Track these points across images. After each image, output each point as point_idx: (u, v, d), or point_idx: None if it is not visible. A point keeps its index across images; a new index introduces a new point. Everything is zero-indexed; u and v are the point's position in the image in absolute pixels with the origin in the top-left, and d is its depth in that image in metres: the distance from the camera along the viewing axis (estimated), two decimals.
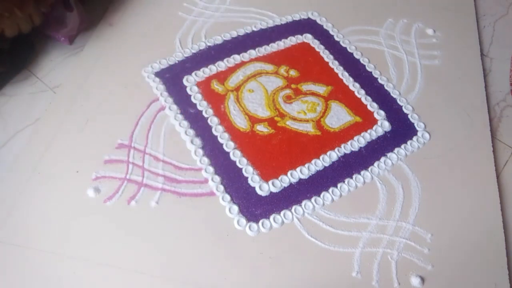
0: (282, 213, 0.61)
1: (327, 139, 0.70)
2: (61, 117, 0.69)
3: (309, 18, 0.88)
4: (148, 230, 0.59)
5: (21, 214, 0.59)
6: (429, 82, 0.79)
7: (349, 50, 0.82)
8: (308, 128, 0.71)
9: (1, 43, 0.71)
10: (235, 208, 0.61)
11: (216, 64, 0.78)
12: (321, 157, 0.67)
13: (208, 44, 0.81)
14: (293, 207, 0.62)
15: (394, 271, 0.57)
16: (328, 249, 0.59)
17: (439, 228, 0.61)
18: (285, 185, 0.64)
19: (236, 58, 0.79)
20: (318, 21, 0.87)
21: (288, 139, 0.69)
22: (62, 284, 0.54)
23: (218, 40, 0.82)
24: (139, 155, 0.65)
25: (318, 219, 0.61)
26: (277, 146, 0.68)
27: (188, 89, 0.74)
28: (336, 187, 0.64)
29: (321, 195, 0.63)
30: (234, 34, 0.83)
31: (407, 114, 0.74)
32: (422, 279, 0.57)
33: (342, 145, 0.69)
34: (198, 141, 0.67)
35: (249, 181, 0.64)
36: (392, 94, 0.76)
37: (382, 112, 0.73)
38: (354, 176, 0.66)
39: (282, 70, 0.78)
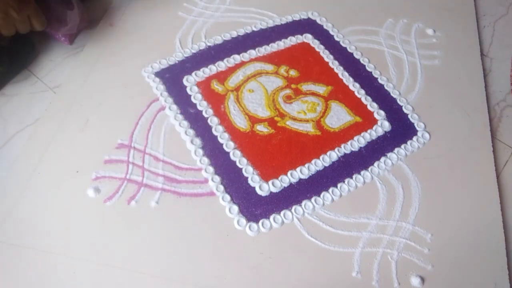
0: (282, 213, 0.61)
1: (327, 139, 0.70)
2: (61, 117, 0.69)
3: (309, 18, 0.88)
4: (148, 230, 0.59)
5: (21, 214, 0.59)
6: (429, 82, 0.79)
7: (349, 50, 0.82)
8: (308, 128, 0.71)
9: (1, 41, 0.71)
10: (235, 208, 0.61)
11: (216, 64, 0.78)
12: (321, 157, 0.67)
13: (208, 44, 0.81)
14: (293, 207, 0.62)
15: (394, 271, 0.57)
16: (328, 249, 0.59)
17: (439, 228, 0.61)
18: (285, 185, 0.64)
19: (236, 58, 0.79)
20: (318, 21, 0.87)
21: (288, 139, 0.69)
22: (62, 284, 0.54)
23: (218, 40, 0.82)
24: (139, 155, 0.65)
25: (318, 219, 0.61)
26: (277, 146, 0.68)
27: (188, 89, 0.74)
28: (336, 187, 0.64)
29: (321, 195, 0.63)
30: (234, 34, 0.83)
31: (407, 114, 0.74)
32: (422, 279, 0.57)
33: (342, 145, 0.69)
34: (198, 141, 0.68)
35: (249, 181, 0.64)
36: (392, 94, 0.76)
37: (382, 112, 0.73)
38: (354, 176, 0.66)
39: (282, 70, 0.78)
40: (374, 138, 0.70)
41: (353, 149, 0.69)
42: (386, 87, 0.77)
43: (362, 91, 0.76)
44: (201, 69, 0.77)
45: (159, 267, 0.56)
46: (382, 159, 0.68)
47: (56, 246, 0.57)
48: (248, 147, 0.67)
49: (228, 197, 0.62)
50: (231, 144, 0.67)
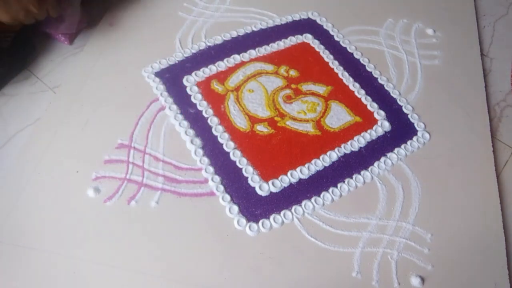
0: (282, 213, 0.61)
1: (327, 139, 0.70)
2: (61, 117, 0.69)
3: (309, 18, 0.88)
4: (148, 230, 0.59)
5: (21, 214, 0.59)
6: (429, 82, 0.79)
7: (349, 50, 0.82)
8: (308, 128, 0.71)
9: (2, 42, 0.71)
10: (235, 208, 0.61)
11: (216, 64, 0.78)
12: (321, 157, 0.67)
13: (208, 44, 0.81)
14: (293, 207, 0.62)
15: (394, 271, 0.57)
16: (328, 249, 0.59)
17: (439, 228, 0.61)
18: (285, 185, 0.64)
19: (236, 58, 0.79)
20: (318, 21, 0.87)
21: (288, 139, 0.69)
22: (62, 284, 0.54)
23: (218, 40, 0.82)
24: (139, 155, 0.65)
25: (318, 219, 0.61)
26: (277, 146, 0.68)
27: (188, 89, 0.74)
28: (336, 187, 0.64)
29: (321, 195, 0.63)
30: (234, 34, 0.83)
31: (407, 114, 0.74)
32: (422, 279, 0.57)
33: (342, 145, 0.69)
34: (198, 141, 0.68)
35: (249, 181, 0.64)
36: (392, 94, 0.76)
37: (382, 112, 0.73)
38: (354, 176, 0.66)
39: (282, 70, 0.78)
40: (374, 138, 0.70)
41: (353, 149, 0.69)
42: (386, 87, 0.77)
43: (362, 91, 0.76)
44: (201, 69, 0.77)
45: (159, 267, 0.56)
46: (382, 159, 0.68)
47: (56, 246, 0.57)
48: (248, 147, 0.67)
49: (228, 197, 0.62)
50: (231, 144, 0.67)
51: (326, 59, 0.80)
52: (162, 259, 0.57)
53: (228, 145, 0.67)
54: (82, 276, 0.55)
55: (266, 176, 0.65)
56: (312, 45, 0.83)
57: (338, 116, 0.73)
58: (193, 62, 0.78)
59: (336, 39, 0.84)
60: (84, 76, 0.75)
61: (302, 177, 0.65)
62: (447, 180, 0.66)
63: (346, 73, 0.78)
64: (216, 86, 0.75)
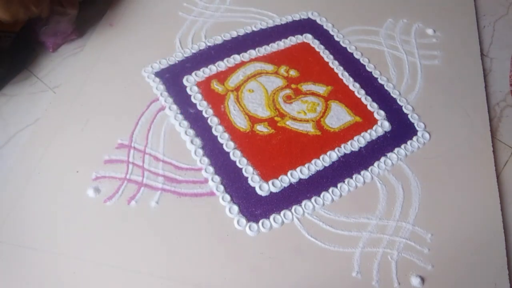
0: (282, 213, 0.61)
1: (327, 139, 0.70)
2: (61, 117, 0.69)
3: (309, 18, 0.88)
4: (148, 230, 0.59)
5: (21, 214, 0.59)
6: (429, 82, 0.79)
7: (349, 50, 0.82)
8: (308, 128, 0.71)
9: (2, 42, 0.71)
10: (235, 208, 0.61)
11: (216, 64, 0.78)
12: (321, 157, 0.67)
13: (208, 44, 0.81)
14: (293, 207, 0.62)
15: (394, 271, 0.57)
16: (328, 249, 0.59)
17: (439, 228, 0.61)
18: (285, 185, 0.64)
19: (236, 58, 0.79)
20: (318, 21, 0.87)
21: (288, 139, 0.69)
22: (62, 284, 0.54)
23: (218, 40, 0.82)
24: (139, 155, 0.65)
25: (318, 219, 0.61)
26: (277, 146, 0.68)
27: (188, 89, 0.74)
28: (336, 187, 0.64)
29: (321, 195, 0.63)
30: (234, 34, 0.83)
31: (407, 114, 0.74)
32: (422, 279, 0.57)
33: (342, 145, 0.69)
34: (198, 141, 0.68)
35: (249, 181, 0.64)
36: (392, 94, 0.76)
37: (382, 112, 0.73)
38: (354, 176, 0.66)
39: (282, 70, 0.78)
40: (374, 138, 0.70)
41: (353, 149, 0.69)
42: (386, 87, 0.77)
43: (362, 91, 0.76)
44: (201, 69, 0.77)
45: (159, 267, 0.56)
46: (382, 159, 0.68)
47: (56, 246, 0.57)
48: (248, 147, 0.67)
49: (228, 197, 0.62)
50: (231, 144, 0.67)
51: (326, 59, 0.80)
52: (162, 259, 0.57)
53: (228, 145, 0.67)
54: (82, 276, 0.55)
55: (266, 176, 0.64)
56: (312, 45, 0.83)
57: (338, 116, 0.73)
58: (193, 62, 0.78)
59: (336, 39, 0.84)
60: (84, 76, 0.75)
61: (302, 177, 0.65)
62: (447, 180, 0.66)
63: (346, 73, 0.78)
64: (216, 86, 0.75)
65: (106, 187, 0.62)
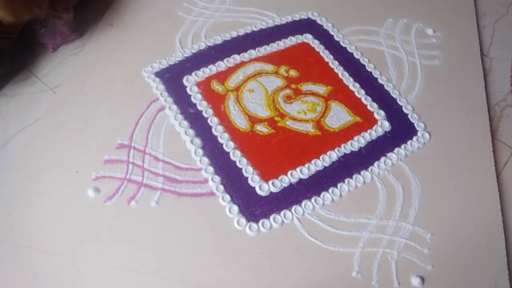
0: (282, 213, 0.61)
1: (327, 139, 0.70)
2: (61, 117, 0.69)
3: (309, 18, 0.88)
4: (148, 230, 0.59)
5: (21, 214, 0.59)
6: (429, 82, 0.79)
7: (349, 50, 0.82)
8: (308, 128, 0.71)
9: (3, 43, 0.71)
10: (235, 208, 0.61)
11: (216, 64, 0.78)
12: (321, 157, 0.67)
13: (208, 44, 0.81)
14: (293, 207, 0.62)
15: (394, 271, 0.57)
16: (328, 249, 0.59)
17: (439, 228, 0.61)
18: (285, 185, 0.64)
19: (236, 58, 0.79)
20: (318, 21, 0.87)
21: (288, 139, 0.69)
22: (62, 284, 0.54)
23: (218, 40, 0.82)
24: (139, 155, 0.65)
25: (318, 219, 0.61)
26: (277, 146, 0.68)
27: (188, 89, 0.74)
28: (336, 187, 0.64)
29: (321, 195, 0.63)
30: (234, 34, 0.83)
31: (407, 114, 0.74)
32: (422, 279, 0.57)
33: (342, 145, 0.69)
34: (198, 141, 0.68)
35: (249, 181, 0.64)
36: (392, 94, 0.76)
37: (382, 112, 0.73)
38: (354, 176, 0.66)
39: (282, 70, 0.78)
40: (374, 138, 0.70)
41: (353, 149, 0.69)
42: (386, 87, 0.77)
43: (362, 91, 0.76)
44: (201, 69, 0.77)
45: (159, 267, 0.56)
46: (382, 159, 0.68)
47: (56, 246, 0.57)
48: (248, 147, 0.67)
49: (228, 197, 0.62)
50: (231, 144, 0.67)
51: (326, 59, 0.80)
52: (162, 259, 0.57)
53: (228, 145, 0.67)
54: (82, 276, 0.55)
55: (266, 176, 0.65)
56: (312, 45, 0.83)
57: (338, 116, 0.73)
58: (193, 62, 0.78)
59: (336, 39, 0.84)
60: (84, 76, 0.75)
61: (302, 177, 0.65)
62: (447, 180, 0.66)
63: (346, 73, 0.78)
64: (216, 86, 0.75)
65: (106, 187, 0.62)
